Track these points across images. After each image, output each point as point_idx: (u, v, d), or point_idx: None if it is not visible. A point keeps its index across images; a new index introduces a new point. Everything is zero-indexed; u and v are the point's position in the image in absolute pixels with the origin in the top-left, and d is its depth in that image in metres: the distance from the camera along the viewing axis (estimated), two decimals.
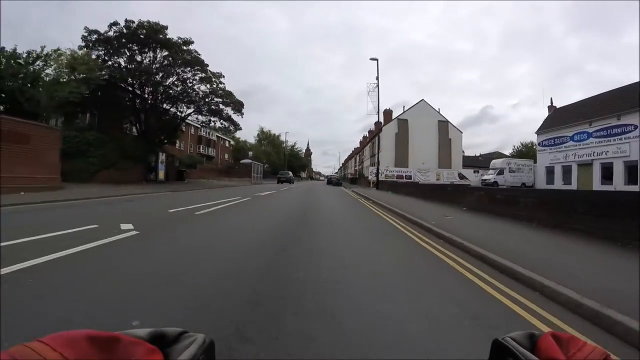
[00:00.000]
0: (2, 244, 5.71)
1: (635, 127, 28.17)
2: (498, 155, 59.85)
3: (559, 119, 38.85)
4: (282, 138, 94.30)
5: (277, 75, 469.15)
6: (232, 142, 74.60)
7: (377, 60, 34.69)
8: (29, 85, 26.34)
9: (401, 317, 3.54)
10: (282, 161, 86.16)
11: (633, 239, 6.87)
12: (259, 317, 3.35)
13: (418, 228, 9.83)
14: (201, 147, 62.02)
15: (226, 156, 73.26)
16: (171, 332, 0.53)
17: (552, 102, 43.01)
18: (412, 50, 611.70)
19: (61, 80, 24.67)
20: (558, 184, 35.72)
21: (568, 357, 0.52)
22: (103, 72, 27.33)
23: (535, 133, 41.71)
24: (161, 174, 31.56)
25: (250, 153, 64.81)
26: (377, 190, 32.62)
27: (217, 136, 65.40)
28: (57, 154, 18.77)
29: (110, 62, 29.72)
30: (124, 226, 7.80)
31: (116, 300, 3.65)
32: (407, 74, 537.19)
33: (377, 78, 34.45)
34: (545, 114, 42.88)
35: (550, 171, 37.85)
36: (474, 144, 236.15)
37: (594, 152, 31.78)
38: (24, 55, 26.16)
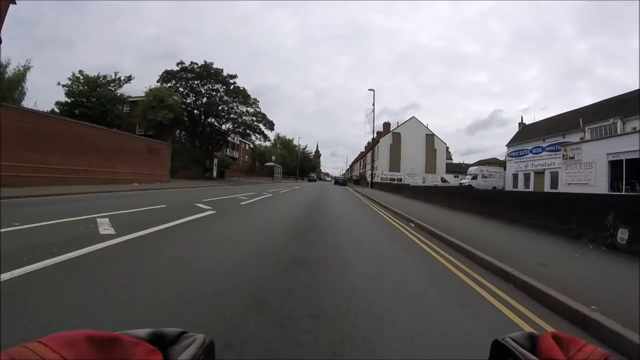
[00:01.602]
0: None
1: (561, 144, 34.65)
2: (495, 160, 70.26)
3: (524, 134, 46.86)
4: (295, 142, 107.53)
5: (285, 76, 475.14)
6: (251, 146, 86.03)
7: (373, 90, 46.67)
8: (122, 109, 39.58)
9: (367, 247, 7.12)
10: (295, 163, 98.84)
11: (533, 222, 9.57)
12: (297, 259, 5.37)
13: (384, 209, 15.64)
14: (227, 150, 73.34)
15: (246, 157, 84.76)
16: (171, 333, 0.54)
17: (522, 120, 52.58)
18: (420, 52, 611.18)
19: (152, 105, 36.82)
20: (521, 187, 39.28)
21: (568, 358, 0.53)
22: (184, 106, 40.35)
23: (506, 146, 49.88)
24: (214, 173, 44.23)
25: (273, 157, 76.40)
26: (370, 189, 44.08)
27: (239, 140, 74.79)
28: (169, 160, 31.09)
29: (184, 97, 42.71)
30: (206, 202, 13.09)
31: (214, 245, 6.27)
32: (414, 75, 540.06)
33: (373, 105, 46.22)
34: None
35: (515, 177, 41.68)
36: (482, 147, 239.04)
37: (545, 163, 35.57)
38: (102, 80, 38.76)
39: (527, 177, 39.24)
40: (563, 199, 10.84)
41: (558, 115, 43.45)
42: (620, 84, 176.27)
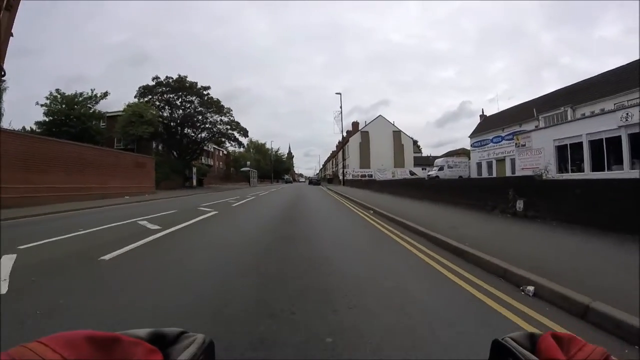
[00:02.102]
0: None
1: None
2: (463, 151, 73.44)
3: (485, 125, 48.99)
4: (268, 145, 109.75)
5: (258, 78, 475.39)
6: (225, 152, 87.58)
7: (340, 94, 49.58)
8: (101, 125, 41.00)
9: (334, 228, 10.57)
10: (269, 166, 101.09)
11: (464, 202, 12.38)
12: (285, 236, 8.04)
13: (350, 202, 18.67)
14: (202, 159, 74.68)
15: (220, 164, 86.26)
16: (171, 332, 0.54)
17: (483, 112, 55.17)
18: (393, 50, 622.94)
19: (131, 120, 38.35)
20: (484, 174, 41.51)
21: (568, 358, 0.53)
22: (161, 120, 42.19)
23: (469, 137, 51.78)
24: (194, 182, 46.07)
25: (248, 163, 78.17)
26: (342, 186, 46.84)
27: (213, 147, 76.51)
28: (153, 172, 32.89)
29: (160, 110, 44.46)
30: (204, 206, 15.92)
31: (219, 240, 7.77)
32: (387, 73, 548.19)
33: (341, 107, 49.10)
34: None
35: (479, 166, 43.57)
36: (452, 139, 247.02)
37: (505, 151, 37.51)
38: (80, 98, 40.01)
39: (490, 164, 41.37)
40: (482, 184, 14.73)
41: (516, 105, 46.38)
42: (585, 72, 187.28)
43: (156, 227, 9.39)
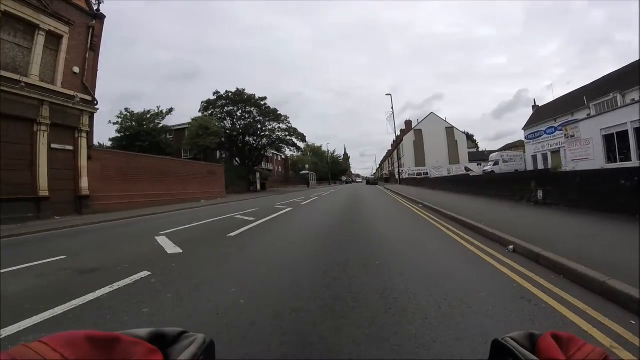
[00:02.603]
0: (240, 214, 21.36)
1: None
2: (521, 143, 71.65)
3: (539, 116, 47.59)
4: (324, 148, 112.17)
5: (305, 82, 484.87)
6: (283, 157, 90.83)
7: (390, 95, 50.73)
8: (169, 138, 44.75)
9: (392, 221, 12.97)
10: (326, 169, 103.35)
11: (498, 193, 13.96)
12: (349, 220, 10.78)
13: (403, 198, 20.17)
14: (262, 164, 78.10)
15: (279, 168, 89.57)
16: (171, 332, 0.54)
17: (535, 102, 53.94)
18: (435, 42, 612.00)
19: (198, 133, 41.66)
20: (540, 167, 39.31)
21: (568, 357, 0.53)
22: (225, 130, 45.45)
23: (522, 129, 50.75)
24: (258, 186, 48.97)
25: (307, 166, 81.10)
26: (398, 185, 48.01)
27: (272, 152, 79.35)
28: (223, 179, 35.85)
29: (222, 122, 47.78)
30: (279, 205, 18.69)
31: (302, 224, 10.06)
32: (432, 66, 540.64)
33: (392, 108, 49.90)
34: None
35: (534, 158, 42.27)
36: (511, 130, 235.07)
37: (559, 142, 35.34)
38: (148, 115, 43.77)
39: (545, 157, 40.07)
40: (512, 177, 16.37)
41: (568, 93, 44.95)
42: None
43: (251, 219, 11.88)
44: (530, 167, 42.92)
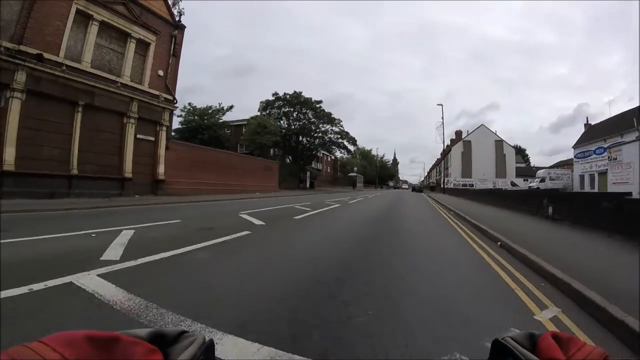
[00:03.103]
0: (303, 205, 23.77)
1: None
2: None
3: (590, 135, 46.26)
4: (374, 152, 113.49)
5: (359, 83, 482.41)
6: (332, 157, 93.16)
7: (441, 105, 51.62)
8: (227, 133, 47.93)
9: (423, 222, 17.98)
10: (374, 172, 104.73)
11: (516, 207, 16.74)
12: (386, 217, 13.77)
13: (439, 205, 22.56)
14: (313, 163, 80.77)
15: (328, 169, 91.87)
16: (171, 332, 0.55)
17: (587, 121, 52.27)
18: (493, 46, 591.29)
19: (257, 131, 44.64)
20: (587, 187, 40.18)
21: (568, 357, 0.53)
22: (281, 130, 48.28)
23: (572, 147, 49.70)
24: (307, 184, 51.64)
25: (355, 168, 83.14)
26: (442, 194, 49.05)
27: (322, 153, 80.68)
28: (277, 175, 38.61)
29: (278, 121, 50.71)
30: (329, 201, 21.52)
31: (336, 233, 9.01)
32: (489, 72, 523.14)
33: (442, 118, 50.90)
34: None
35: (582, 178, 42.50)
36: (567, 146, 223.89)
37: (607, 163, 34.63)
38: (209, 111, 47.03)
39: (592, 177, 39.95)
40: (530, 194, 18.77)
41: (621, 113, 43.34)
42: None
43: (308, 209, 14.41)
44: (577, 187, 42.82)
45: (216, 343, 1.67)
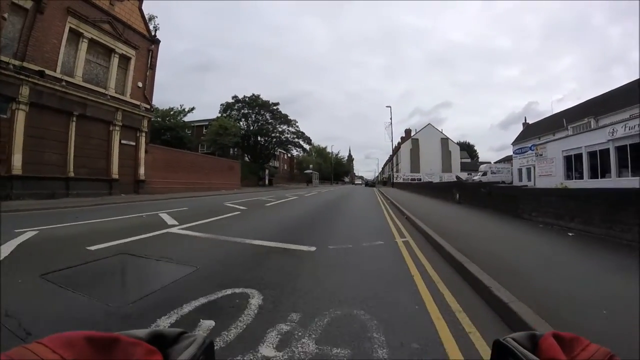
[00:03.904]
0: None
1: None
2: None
3: (527, 133, 51.79)
4: (329, 149, 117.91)
5: (318, 82, 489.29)
6: (289, 155, 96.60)
7: (390, 107, 56.24)
8: (190, 134, 50.54)
9: (361, 210, 23.20)
10: (329, 169, 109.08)
11: (439, 196, 26.91)
12: (329, 212, 16.37)
13: (382, 196, 27.86)
14: (270, 161, 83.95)
15: (285, 166, 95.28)
16: (170, 333, 0.55)
17: (525, 120, 58.80)
18: (452, 50, 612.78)
19: (219, 132, 47.53)
20: (524, 180, 41.18)
21: (571, 357, 0.53)
22: (242, 130, 51.44)
23: (511, 144, 55.33)
24: (266, 181, 55.12)
25: (311, 166, 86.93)
26: (391, 188, 53.79)
27: (279, 151, 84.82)
28: (239, 173, 41.95)
29: (238, 122, 53.91)
30: (288, 195, 26.84)
31: (298, 212, 13.40)
32: (448, 73, 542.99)
33: (391, 119, 55.49)
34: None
35: (520, 172, 43.48)
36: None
37: (534, 159, 37.12)
38: (171, 112, 49.53)
39: (528, 170, 42.47)
40: (443, 185, 23.90)
41: (551, 115, 49.80)
42: None
43: (273, 200, 18.29)
44: (516, 180, 45.72)
45: (252, 242, 6.07)
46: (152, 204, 15.63)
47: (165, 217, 10.36)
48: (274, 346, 2.57)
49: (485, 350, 2.57)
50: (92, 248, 5.71)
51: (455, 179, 62.95)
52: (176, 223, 9.01)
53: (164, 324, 2.93)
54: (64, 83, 19.20)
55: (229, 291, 3.72)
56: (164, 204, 16.16)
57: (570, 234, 7.09)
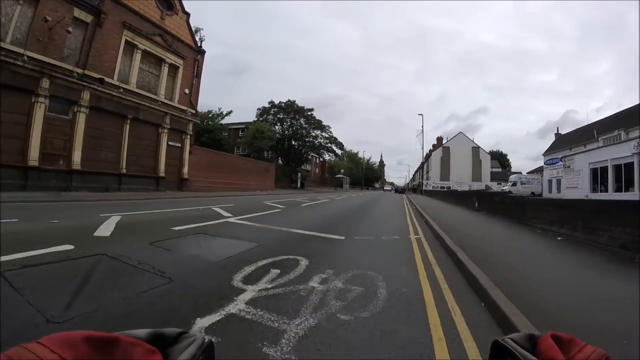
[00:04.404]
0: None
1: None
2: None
3: (559, 143, 50.11)
4: (360, 155, 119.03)
5: (350, 86, 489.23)
6: (321, 159, 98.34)
7: (422, 115, 57.28)
8: (227, 136, 52.59)
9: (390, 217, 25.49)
10: (360, 174, 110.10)
11: (460, 203, 28.06)
12: (357, 214, 20.65)
13: (409, 202, 30.29)
14: (303, 165, 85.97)
15: (317, 170, 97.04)
16: (170, 333, 0.54)
17: (557, 130, 57.08)
18: (484, 52, 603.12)
19: (255, 136, 49.53)
20: (554, 191, 41.37)
21: (568, 358, 0.53)
22: (277, 135, 53.30)
23: (542, 155, 53.66)
24: (298, 184, 56.92)
25: (342, 170, 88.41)
26: (420, 195, 54.56)
27: (311, 155, 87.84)
28: (273, 175, 43.74)
29: (273, 126, 55.85)
30: (320, 197, 29.61)
31: (330, 212, 15.44)
32: (480, 77, 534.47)
33: (422, 127, 56.64)
34: None
35: (550, 183, 43.76)
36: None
37: (562, 170, 37.37)
38: (210, 115, 51.68)
39: (558, 182, 41.34)
40: (464, 194, 24.81)
41: (583, 126, 48.51)
42: None
43: (307, 201, 20.08)
44: (546, 191, 45.67)
45: (295, 231, 7.93)
46: (199, 200, 17.36)
47: (219, 210, 12.20)
48: (318, 282, 4.18)
49: (445, 287, 4.26)
50: (176, 228, 7.52)
51: (485, 188, 63.42)
52: (230, 215, 10.77)
53: (249, 269, 4.60)
54: (121, 90, 21.28)
55: (285, 257, 5.37)
56: (209, 200, 17.88)
57: (559, 238, 8.30)
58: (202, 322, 2.88)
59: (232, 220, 9.65)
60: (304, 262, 5.09)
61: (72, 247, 5.15)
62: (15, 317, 2.78)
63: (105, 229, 6.90)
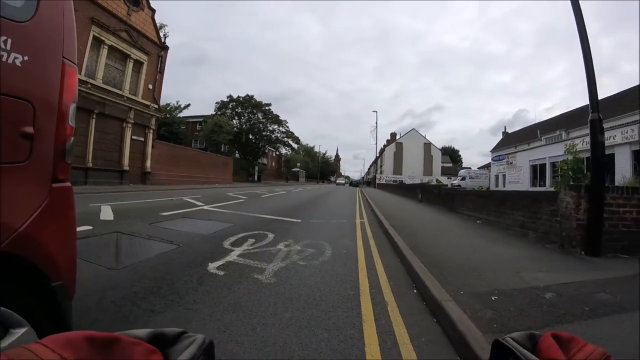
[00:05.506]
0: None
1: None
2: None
3: (506, 141, 53.90)
4: (316, 149, 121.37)
5: (310, 80, 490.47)
6: (277, 153, 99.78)
7: (376, 112, 60.10)
8: (184, 130, 53.37)
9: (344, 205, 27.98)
10: (316, 168, 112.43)
11: (406, 195, 30.32)
12: (312, 204, 21.76)
13: (362, 194, 32.37)
14: (259, 158, 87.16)
15: (273, 163, 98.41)
16: (171, 333, 0.54)
17: (505, 129, 61.73)
18: (446, 53, 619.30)
19: (214, 130, 50.57)
20: (500, 186, 42.28)
21: (569, 358, 0.53)
22: (235, 129, 54.48)
23: (490, 151, 57.40)
24: (255, 177, 58.46)
25: (298, 164, 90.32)
26: (373, 188, 57.35)
27: (268, 149, 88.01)
28: (232, 169, 45.13)
29: (231, 120, 57.02)
30: (278, 190, 31.52)
31: (288, 202, 18.90)
32: (441, 76, 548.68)
33: (376, 123, 59.37)
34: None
35: (497, 178, 45.06)
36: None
37: (505, 166, 39.85)
38: (167, 108, 52.24)
39: (504, 177, 44.20)
40: (410, 187, 27.45)
41: (528, 126, 52.92)
42: None
43: (266, 194, 21.65)
44: (492, 185, 47.34)
45: (261, 215, 9.63)
46: (166, 193, 18.71)
47: (191, 200, 13.86)
48: (283, 246, 6.07)
49: (375, 251, 6.26)
50: (164, 214, 9.25)
51: (435, 182, 66.51)
52: (203, 204, 12.51)
53: (233, 239, 6.45)
54: (89, 85, 22.18)
55: (257, 232, 7.27)
56: (175, 192, 19.18)
57: (478, 222, 10.48)
58: (213, 265, 4.65)
59: (206, 207, 11.44)
60: (271, 235, 6.92)
61: (90, 227, 6.70)
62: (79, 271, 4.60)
63: (107, 215, 8.45)
